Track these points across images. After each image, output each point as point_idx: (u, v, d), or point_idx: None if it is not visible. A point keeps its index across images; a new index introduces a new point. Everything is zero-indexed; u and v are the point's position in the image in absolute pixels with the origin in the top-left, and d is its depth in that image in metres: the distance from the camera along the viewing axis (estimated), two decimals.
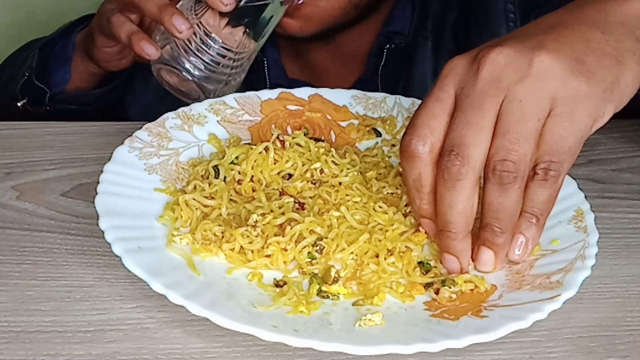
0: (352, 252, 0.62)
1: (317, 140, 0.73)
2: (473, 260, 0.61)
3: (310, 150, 0.71)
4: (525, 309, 0.56)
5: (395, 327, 0.56)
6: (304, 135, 0.73)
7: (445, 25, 0.98)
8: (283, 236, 0.62)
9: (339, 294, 0.59)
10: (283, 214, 0.63)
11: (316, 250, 0.62)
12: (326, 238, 0.62)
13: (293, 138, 0.71)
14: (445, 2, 0.99)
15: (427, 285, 0.60)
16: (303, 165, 0.69)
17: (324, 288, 0.59)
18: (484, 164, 0.56)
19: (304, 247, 0.61)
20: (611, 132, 0.82)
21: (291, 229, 0.62)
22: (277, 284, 0.60)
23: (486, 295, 0.59)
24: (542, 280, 0.59)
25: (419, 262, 0.62)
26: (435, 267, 0.62)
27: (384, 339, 0.54)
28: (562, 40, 0.56)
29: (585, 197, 0.67)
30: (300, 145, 0.71)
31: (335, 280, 0.60)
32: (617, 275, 0.64)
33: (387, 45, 0.98)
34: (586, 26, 0.57)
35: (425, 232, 0.62)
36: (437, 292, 0.59)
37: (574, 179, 0.69)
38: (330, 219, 0.63)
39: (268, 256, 0.61)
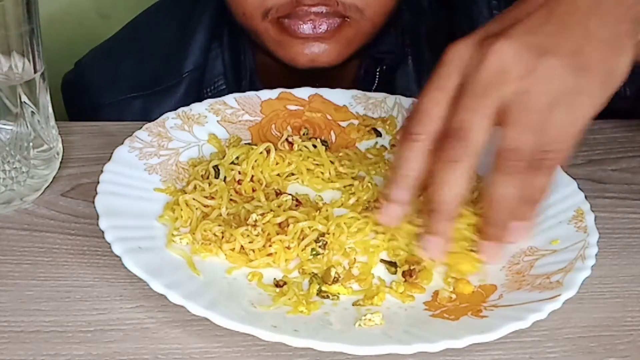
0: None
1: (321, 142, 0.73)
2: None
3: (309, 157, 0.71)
4: (525, 309, 0.56)
5: (395, 327, 0.56)
6: (304, 134, 0.73)
7: (420, 36, 0.97)
8: (286, 234, 0.62)
9: (339, 294, 0.60)
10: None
11: (319, 246, 0.62)
12: (328, 234, 0.62)
13: (302, 141, 0.72)
14: (416, 12, 0.97)
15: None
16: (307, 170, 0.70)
17: (324, 288, 0.60)
18: (482, 149, 0.57)
19: (308, 244, 0.62)
20: (611, 132, 0.82)
21: (293, 227, 0.62)
22: (277, 284, 0.60)
23: (486, 295, 0.59)
24: (542, 280, 0.59)
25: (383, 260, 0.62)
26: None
27: (384, 339, 0.54)
28: (563, 34, 0.57)
29: (585, 197, 0.67)
30: (307, 149, 0.71)
31: (335, 280, 0.60)
32: (617, 275, 0.64)
33: (378, 68, 0.95)
34: (584, 11, 0.58)
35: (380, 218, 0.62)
36: (436, 294, 0.59)
37: (574, 179, 0.69)
38: (327, 210, 0.64)
39: (270, 254, 0.61)
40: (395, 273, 0.62)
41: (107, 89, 1.00)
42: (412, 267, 0.61)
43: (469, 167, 0.57)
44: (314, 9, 0.83)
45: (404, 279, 0.61)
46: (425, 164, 0.58)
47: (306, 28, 0.84)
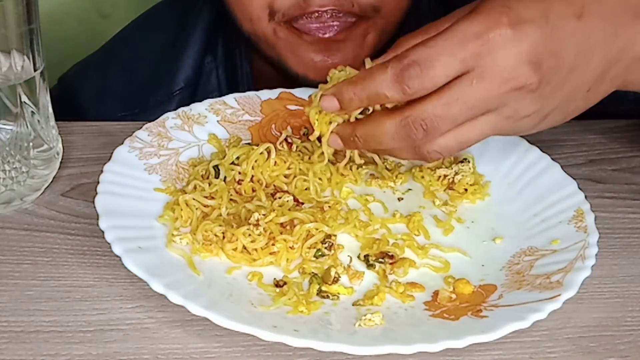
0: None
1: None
2: None
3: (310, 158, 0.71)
4: (525, 309, 0.56)
5: (395, 327, 0.56)
6: (304, 134, 0.73)
7: None
8: (290, 235, 0.62)
9: (339, 294, 0.60)
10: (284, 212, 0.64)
11: (325, 247, 0.62)
12: (334, 235, 0.63)
13: (302, 142, 0.72)
14: (416, 14, 0.90)
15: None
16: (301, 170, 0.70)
17: (324, 288, 0.60)
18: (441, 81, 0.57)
19: (313, 244, 0.62)
20: (611, 132, 0.82)
21: (300, 227, 0.62)
22: (277, 284, 0.60)
23: (486, 295, 0.59)
24: (542, 280, 0.59)
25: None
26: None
27: (384, 339, 0.54)
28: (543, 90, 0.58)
29: (585, 197, 0.67)
30: (307, 149, 0.71)
31: (335, 280, 0.60)
32: (617, 275, 0.64)
33: None
34: (568, 67, 0.58)
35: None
36: (436, 294, 0.60)
37: (574, 179, 0.69)
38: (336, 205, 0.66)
39: (273, 253, 0.61)
40: (373, 266, 0.62)
41: (92, 107, 0.95)
42: (387, 253, 0.62)
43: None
44: (325, 10, 0.79)
45: (386, 264, 0.62)
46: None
47: (317, 28, 0.79)
